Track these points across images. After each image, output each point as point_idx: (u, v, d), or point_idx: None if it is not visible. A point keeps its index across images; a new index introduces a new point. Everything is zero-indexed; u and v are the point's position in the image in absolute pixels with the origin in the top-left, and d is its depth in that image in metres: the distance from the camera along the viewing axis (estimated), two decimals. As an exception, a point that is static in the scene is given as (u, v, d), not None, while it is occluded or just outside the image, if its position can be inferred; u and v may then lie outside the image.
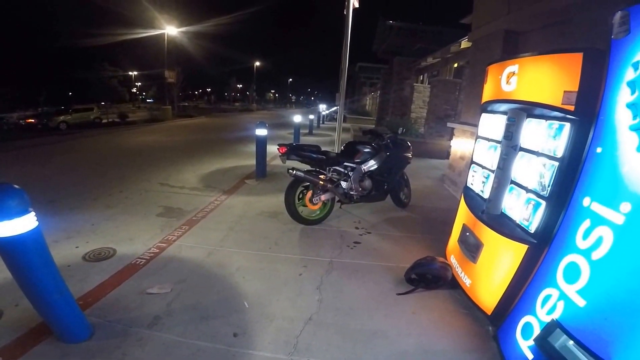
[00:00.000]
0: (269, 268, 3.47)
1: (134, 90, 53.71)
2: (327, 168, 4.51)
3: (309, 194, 4.46)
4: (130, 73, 49.02)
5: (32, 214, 2.18)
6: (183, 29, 30.50)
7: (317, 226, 4.43)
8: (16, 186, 2.14)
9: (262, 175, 6.72)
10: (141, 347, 2.44)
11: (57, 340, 2.44)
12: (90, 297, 2.99)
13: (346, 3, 7.52)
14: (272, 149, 6.85)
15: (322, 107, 17.99)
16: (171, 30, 28.61)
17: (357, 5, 7.77)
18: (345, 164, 4.57)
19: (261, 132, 6.56)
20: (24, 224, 2.13)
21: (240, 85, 73.99)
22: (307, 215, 4.49)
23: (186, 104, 39.42)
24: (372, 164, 4.67)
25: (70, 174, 7.49)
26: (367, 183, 4.68)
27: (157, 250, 3.83)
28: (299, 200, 4.44)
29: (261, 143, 6.62)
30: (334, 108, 22.83)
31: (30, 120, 23.19)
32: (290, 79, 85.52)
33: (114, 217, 4.83)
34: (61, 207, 4.95)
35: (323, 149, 4.65)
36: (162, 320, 2.71)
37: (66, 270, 3.26)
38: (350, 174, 4.55)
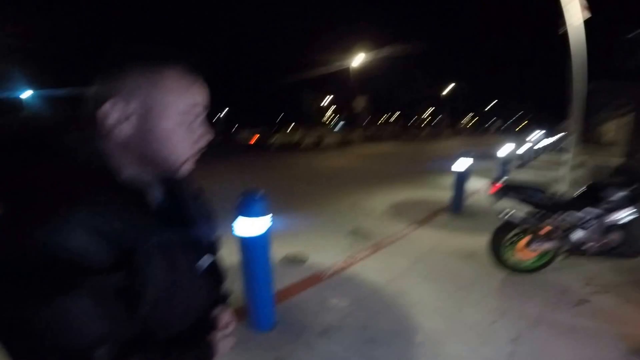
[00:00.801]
0: (453, 308, 3.31)
1: (328, 114, 58.26)
2: (556, 213, 3.91)
3: (525, 239, 3.94)
4: (325, 99, 53.41)
5: (269, 216, 2.73)
6: (372, 55, 32.25)
7: (527, 275, 3.97)
8: (261, 192, 2.72)
9: (458, 211, 6.43)
10: (308, 352, 2.68)
11: (244, 326, 2.87)
12: (280, 295, 3.40)
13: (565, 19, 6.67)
14: (472, 182, 6.62)
15: (536, 135, 16.06)
16: (360, 57, 30.49)
17: (588, 15, 6.75)
18: (585, 209, 3.89)
19: (461, 162, 6.32)
20: (263, 224, 2.68)
21: (432, 109, 73.54)
22: (517, 262, 4.01)
23: (374, 129, 41.14)
24: (625, 214, 3.82)
25: (278, 186, 9.02)
26: (615, 236, 3.86)
27: (343, 266, 4.13)
28: (509, 245, 4.00)
29: (461, 175, 6.36)
30: (558, 136, 19.74)
31: (252, 139, 27.71)
32: (496, 101, 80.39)
33: (310, 229, 5.53)
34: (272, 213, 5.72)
35: (550, 189, 4.12)
36: (332, 331, 2.92)
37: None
38: (591, 222, 3.85)
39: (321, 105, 51.87)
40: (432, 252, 4.64)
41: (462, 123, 74.77)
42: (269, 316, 2.96)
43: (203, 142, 0.82)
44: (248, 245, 2.70)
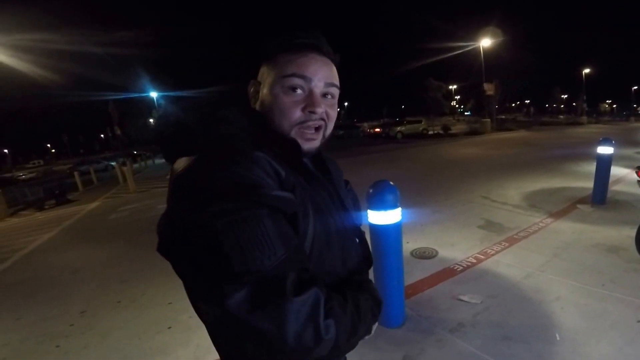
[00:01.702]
0: (596, 306, 3.01)
1: (454, 103, 56.07)
2: None
3: None
4: (450, 87, 51.37)
5: (400, 208, 2.71)
6: (498, 40, 30.07)
7: None
8: (392, 184, 2.70)
9: (601, 202, 5.74)
10: (439, 349, 2.63)
11: None
12: (410, 290, 3.45)
13: None
14: (615, 171, 5.96)
15: None
16: (486, 42, 28.71)
17: None
18: None
19: (605, 149, 5.61)
20: (395, 215, 2.69)
21: (565, 96, 66.34)
22: None
23: (504, 116, 38.35)
24: None
25: (405, 177, 9.03)
26: None
27: (475, 261, 4.02)
28: None
29: (604, 163, 5.65)
30: None
31: (376, 130, 28.39)
32: (636, 87, 69.55)
33: (439, 222, 5.45)
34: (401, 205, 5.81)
35: None
36: (465, 328, 2.83)
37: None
38: None
39: (446, 93, 49.84)
40: (571, 246, 4.24)
41: (600, 110, 66.16)
42: (399, 312, 2.94)
43: (314, 111, 0.86)
44: (379, 236, 2.71)
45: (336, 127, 1.10)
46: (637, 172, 3.71)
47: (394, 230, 2.71)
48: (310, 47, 0.87)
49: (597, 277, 3.46)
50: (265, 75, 0.89)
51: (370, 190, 2.69)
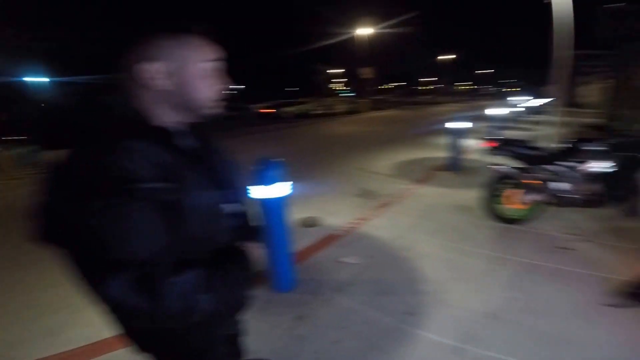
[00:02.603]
0: (455, 259, 3.33)
1: (337, 85, 57.70)
2: (541, 166, 3.91)
3: (512, 192, 3.98)
4: (333, 70, 52.92)
5: (285, 183, 2.72)
6: (374, 29, 32.03)
7: (519, 227, 3.94)
8: (277, 160, 2.72)
9: (456, 169, 6.40)
10: (326, 307, 2.72)
11: (267, 288, 2.90)
12: (298, 257, 3.43)
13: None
14: (468, 142, 6.70)
15: (525, 98, 15.91)
16: (361, 31, 30.21)
17: None
18: (565, 163, 3.87)
19: (456, 124, 6.29)
20: (280, 189, 2.70)
21: (429, 79, 72.98)
22: (506, 213, 4.03)
23: (378, 97, 40.63)
24: (600, 165, 3.79)
25: (292, 153, 8.94)
26: (591, 186, 3.82)
27: (354, 226, 4.17)
28: (497, 197, 4.03)
29: (456, 135, 6.33)
30: (545, 99, 20.38)
31: (267, 110, 27.86)
32: (492, 70, 78.83)
33: (322, 193, 5.51)
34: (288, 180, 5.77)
35: (538, 146, 4.10)
36: (348, 287, 2.96)
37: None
38: (571, 174, 3.84)
39: (331, 77, 51.37)
40: (434, 208, 4.64)
41: (459, 90, 74.17)
42: (289, 277, 2.99)
43: (224, 88, 0.97)
44: (268, 209, 2.72)
45: (230, 108, 1.09)
46: (485, 143, 4.13)
47: (280, 203, 2.74)
48: (208, 31, 0.94)
49: (456, 234, 3.83)
50: (179, 56, 0.88)
51: (257, 167, 2.67)
